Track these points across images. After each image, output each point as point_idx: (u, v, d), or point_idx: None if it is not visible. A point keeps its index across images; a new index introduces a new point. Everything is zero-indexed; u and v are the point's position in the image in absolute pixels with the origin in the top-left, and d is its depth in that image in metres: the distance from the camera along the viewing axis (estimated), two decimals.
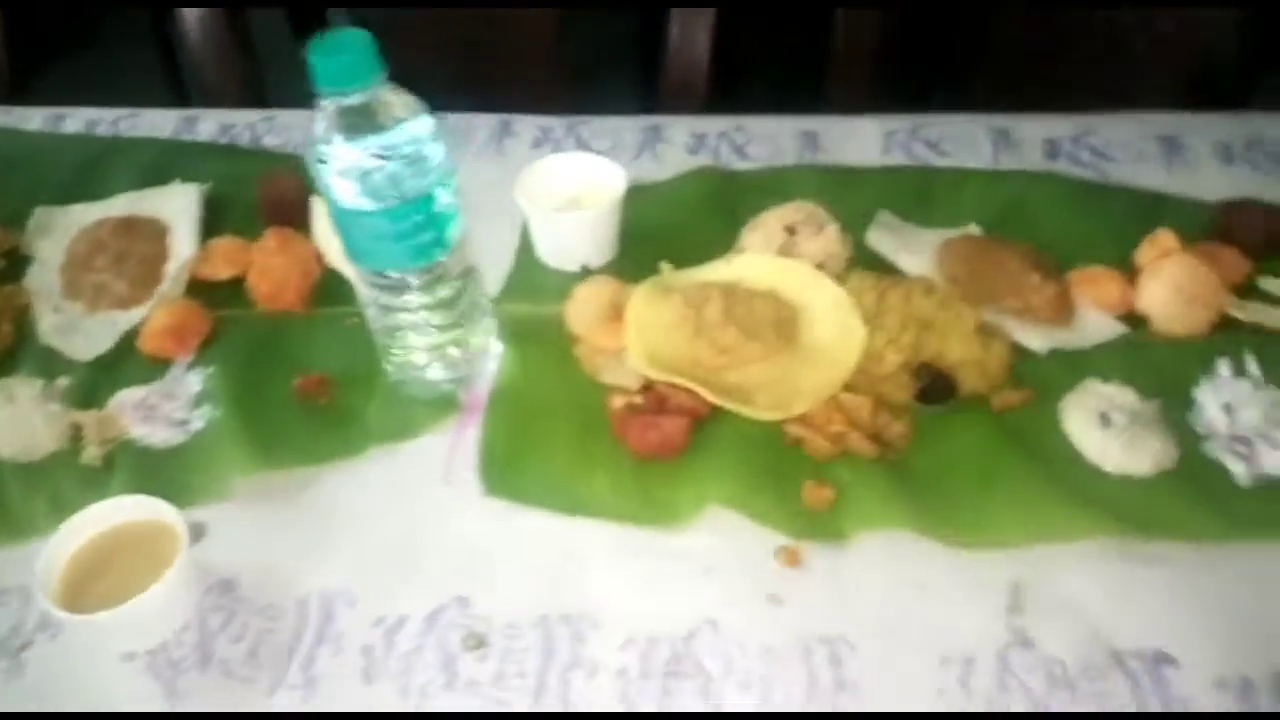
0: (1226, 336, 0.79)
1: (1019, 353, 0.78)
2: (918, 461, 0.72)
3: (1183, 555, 0.66)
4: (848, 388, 0.76)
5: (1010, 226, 0.88)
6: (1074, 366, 0.77)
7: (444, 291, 0.72)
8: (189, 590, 0.66)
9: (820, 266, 0.82)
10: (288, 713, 0.61)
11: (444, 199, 0.68)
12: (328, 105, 0.63)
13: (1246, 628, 0.63)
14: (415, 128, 0.65)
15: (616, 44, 1.56)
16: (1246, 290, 0.82)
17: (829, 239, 0.83)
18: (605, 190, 0.87)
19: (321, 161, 0.64)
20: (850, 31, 1.22)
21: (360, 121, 0.63)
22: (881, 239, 0.88)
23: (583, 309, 0.80)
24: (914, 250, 0.87)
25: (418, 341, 0.74)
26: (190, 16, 1.24)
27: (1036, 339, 0.79)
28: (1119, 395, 0.74)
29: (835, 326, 0.79)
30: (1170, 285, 0.79)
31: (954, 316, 0.77)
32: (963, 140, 1.01)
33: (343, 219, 0.67)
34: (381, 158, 0.64)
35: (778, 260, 0.83)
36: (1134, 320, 0.81)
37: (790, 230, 0.84)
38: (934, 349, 0.76)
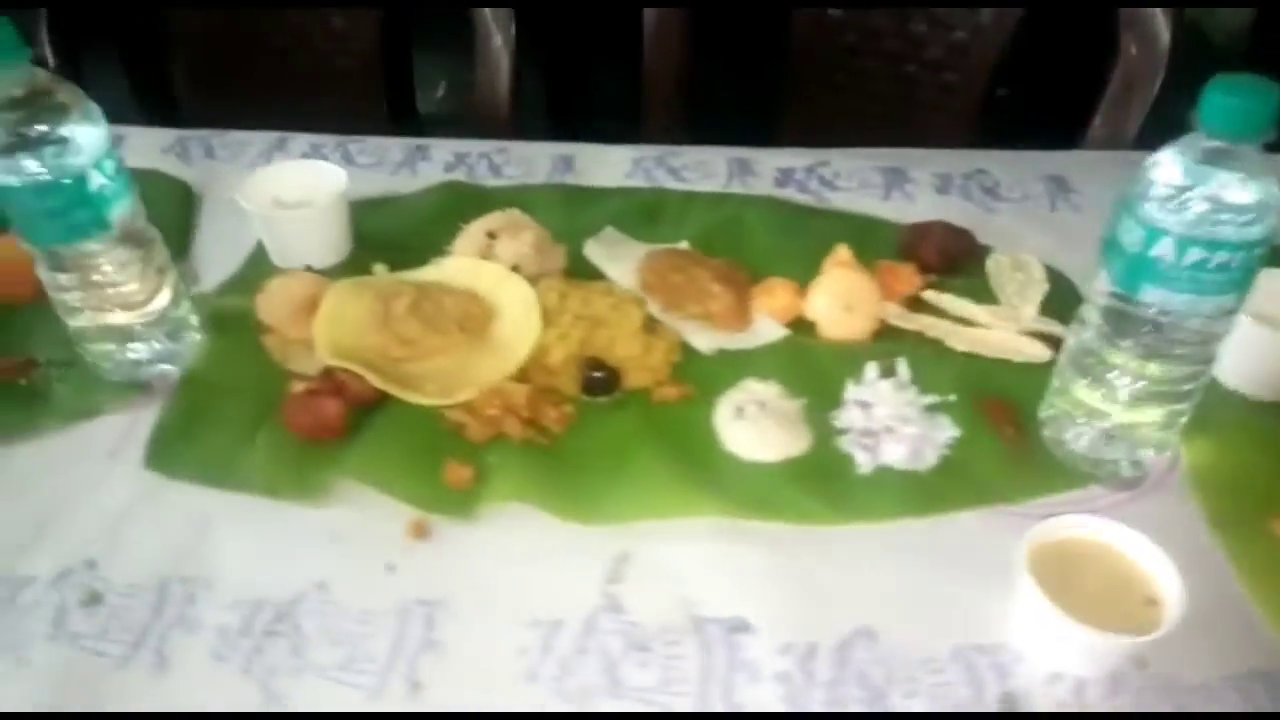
0: (886, 343, 0.84)
1: (689, 353, 0.83)
2: (567, 446, 0.76)
3: (780, 533, 0.70)
4: (523, 379, 0.79)
5: (717, 243, 0.93)
6: (737, 366, 0.81)
7: (110, 269, 0.75)
8: None
9: (515, 268, 0.87)
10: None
11: (98, 180, 0.71)
12: None
13: (823, 599, 0.66)
14: (62, 108, 0.69)
15: None
16: (918, 302, 0.87)
17: (522, 243, 0.87)
18: (330, 192, 0.91)
19: None
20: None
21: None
22: (595, 251, 0.93)
23: (272, 300, 0.83)
24: (620, 260, 0.91)
25: (91, 321, 0.78)
26: None
27: (705, 341, 0.83)
28: (763, 391, 0.78)
29: (517, 323, 0.83)
30: (830, 295, 0.84)
31: (623, 316, 0.82)
32: (703, 169, 1.07)
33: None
34: (25, 136, 0.67)
35: (478, 262, 0.88)
36: (803, 326, 0.85)
37: (491, 235, 0.88)
38: (602, 345, 0.80)
